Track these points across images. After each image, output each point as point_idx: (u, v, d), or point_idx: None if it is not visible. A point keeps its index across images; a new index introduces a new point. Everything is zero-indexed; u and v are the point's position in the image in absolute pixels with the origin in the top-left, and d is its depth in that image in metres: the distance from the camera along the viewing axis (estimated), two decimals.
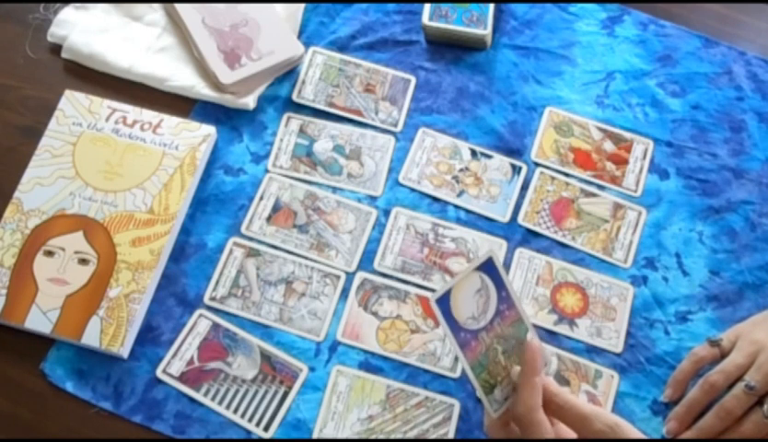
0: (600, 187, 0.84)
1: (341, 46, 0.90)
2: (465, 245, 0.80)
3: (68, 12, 0.90)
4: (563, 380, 0.74)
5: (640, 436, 0.62)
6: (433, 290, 0.78)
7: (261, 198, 0.82)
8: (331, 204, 0.82)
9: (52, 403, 0.74)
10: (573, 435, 0.62)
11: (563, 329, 0.77)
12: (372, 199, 0.83)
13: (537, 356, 0.61)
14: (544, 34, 0.91)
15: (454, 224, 0.82)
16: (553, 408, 0.61)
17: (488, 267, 0.61)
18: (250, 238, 0.81)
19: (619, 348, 0.76)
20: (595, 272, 0.80)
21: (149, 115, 0.84)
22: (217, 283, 0.79)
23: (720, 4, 0.93)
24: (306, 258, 0.80)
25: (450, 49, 0.90)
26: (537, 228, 0.81)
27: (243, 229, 0.81)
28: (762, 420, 0.69)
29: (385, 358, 0.76)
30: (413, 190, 0.83)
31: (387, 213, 0.82)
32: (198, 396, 0.74)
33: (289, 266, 0.79)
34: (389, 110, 0.87)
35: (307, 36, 0.91)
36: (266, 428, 0.73)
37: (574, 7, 0.92)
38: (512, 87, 0.88)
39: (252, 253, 0.80)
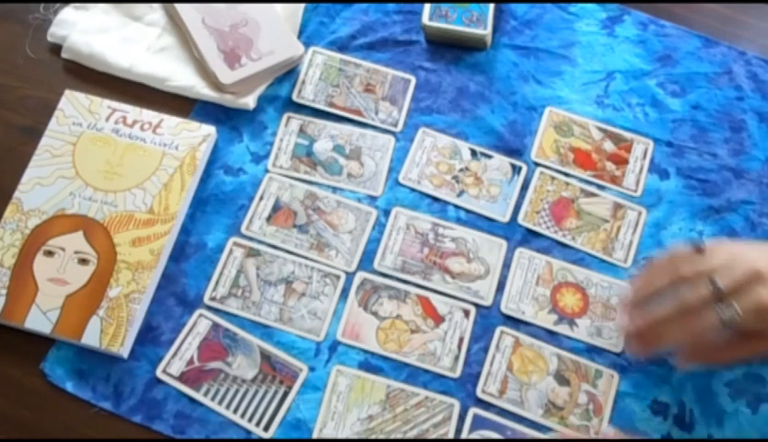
0: (600, 187, 0.84)
1: (341, 46, 0.90)
2: (465, 245, 0.80)
3: (68, 12, 0.90)
4: (563, 380, 0.74)
5: None
6: (434, 290, 0.78)
7: (261, 198, 0.82)
8: (331, 204, 0.82)
9: (52, 403, 0.74)
10: None
11: (563, 329, 0.77)
12: (372, 199, 0.83)
13: None
14: (544, 34, 0.91)
15: (454, 224, 0.82)
16: None
17: None
18: (250, 238, 0.81)
19: (619, 348, 0.76)
20: (595, 271, 0.80)
21: (149, 115, 0.84)
22: (217, 283, 0.79)
23: (721, 4, 0.93)
24: (306, 258, 0.80)
25: (450, 49, 0.90)
26: (537, 228, 0.81)
27: (243, 229, 0.81)
28: (714, 321, 0.64)
29: (385, 358, 0.76)
30: (413, 190, 0.83)
31: (387, 213, 0.82)
32: (198, 396, 0.74)
33: (289, 266, 0.79)
34: (390, 110, 0.87)
35: (307, 36, 0.91)
36: (266, 428, 0.73)
37: (574, 7, 0.92)
38: (512, 87, 0.88)
39: (252, 253, 0.80)
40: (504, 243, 0.81)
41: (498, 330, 0.77)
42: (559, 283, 0.79)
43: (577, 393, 0.74)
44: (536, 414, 0.73)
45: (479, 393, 0.74)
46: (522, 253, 0.80)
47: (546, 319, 0.77)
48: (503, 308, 0.78)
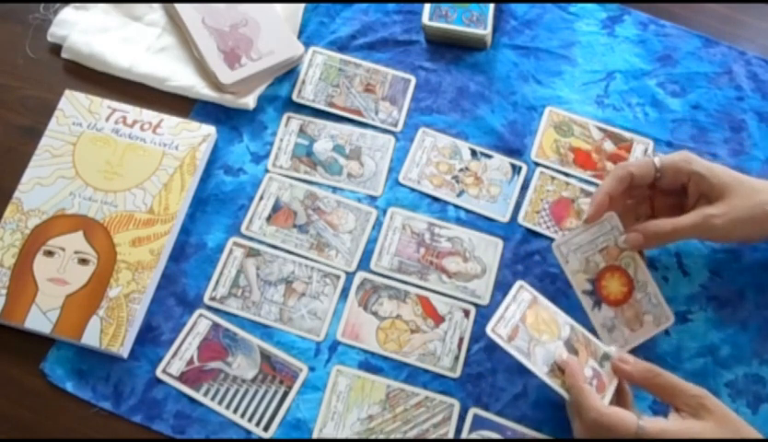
0: None
1: (341, 46, 0.90)
2: (461, 244, 0.80)
3: (68, 12, 0.90)
4: (572, 349, 0.71)
5: (724, 407, 0.65)
6: (430, 290, 0.78)
7: (261, 198, 0.82)
8: (331, 204, 0.82)
9: (52, 403, 0.74)
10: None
11: None
12: (372, 199, 0.83)
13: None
14: (544, 34, 0.91)
15: (450, 223, 0.82)
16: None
17: None
18: (250, 238, 0.81)
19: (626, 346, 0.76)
20: None
21: (149, 115, 0.84)
22: (217, 283, 0.79)
23: (721, 4, 0.93)
24: (306, 258, 0.80)
25: (450, 49, 0.90)
26: (537, 228, 0.81)
27: (243, 229, 0.81)
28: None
29: (385, 358, 0.76)
30: (413, 190, 0.83)
31: (387, 213, 0.82)
32: (198, 396, 0.74)
33: (289, 266, 0.79)
34: (390, 109, 0.87)
35: (307, 36, 0.91)
36: (266, 428, 0.73)
37: (574, 7, 0.92)
38: (512, 86, 0.88)
39: (252, 253, 0.80)
40: (499, 242, 0.81)
41: (518, 283, 0.72)
42: None
43: (584, 366, 0.71)
44: (541, 371, 0.69)
45: (488, 330, 0.69)
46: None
47: None
48: None
